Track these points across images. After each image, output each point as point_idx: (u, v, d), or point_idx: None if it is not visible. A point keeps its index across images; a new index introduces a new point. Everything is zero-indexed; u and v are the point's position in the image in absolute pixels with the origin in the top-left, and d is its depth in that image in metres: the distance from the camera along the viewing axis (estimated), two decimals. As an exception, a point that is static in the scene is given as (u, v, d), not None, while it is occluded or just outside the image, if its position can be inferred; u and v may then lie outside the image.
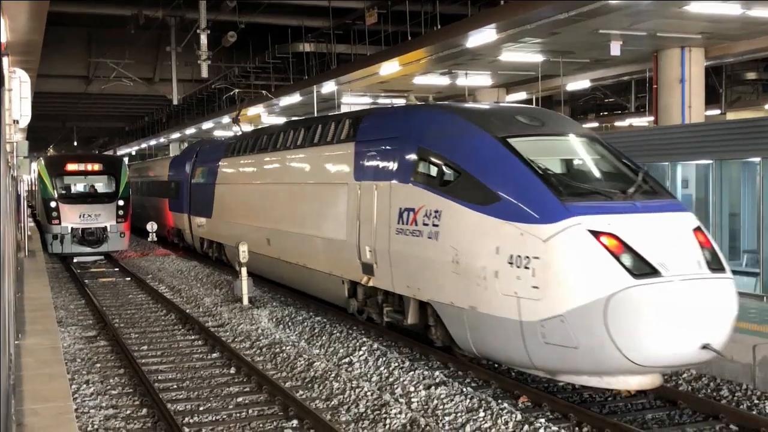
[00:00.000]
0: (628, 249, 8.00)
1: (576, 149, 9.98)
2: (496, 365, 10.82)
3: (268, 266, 16.33)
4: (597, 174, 9.57)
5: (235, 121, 23.47)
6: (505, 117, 10.28)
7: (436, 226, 9.73)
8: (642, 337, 7.74)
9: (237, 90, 27.62)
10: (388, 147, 11.32)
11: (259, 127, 21.65)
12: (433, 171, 10.19)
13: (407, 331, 12.00)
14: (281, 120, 34.29)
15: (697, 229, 8.66)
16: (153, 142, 51.88)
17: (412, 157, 10.58)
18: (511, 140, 9.51)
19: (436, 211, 9.77)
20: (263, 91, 27.80)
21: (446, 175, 9.92)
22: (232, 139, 21.10)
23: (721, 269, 8.36)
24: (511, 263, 8.50)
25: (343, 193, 12.45)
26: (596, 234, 8.08)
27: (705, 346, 7.85)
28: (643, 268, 7.89)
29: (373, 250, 11.31)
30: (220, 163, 20.25)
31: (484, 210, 9.03)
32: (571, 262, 8.05)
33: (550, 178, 8.91)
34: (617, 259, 7.91)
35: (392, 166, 11.01)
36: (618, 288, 7.76)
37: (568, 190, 8.71)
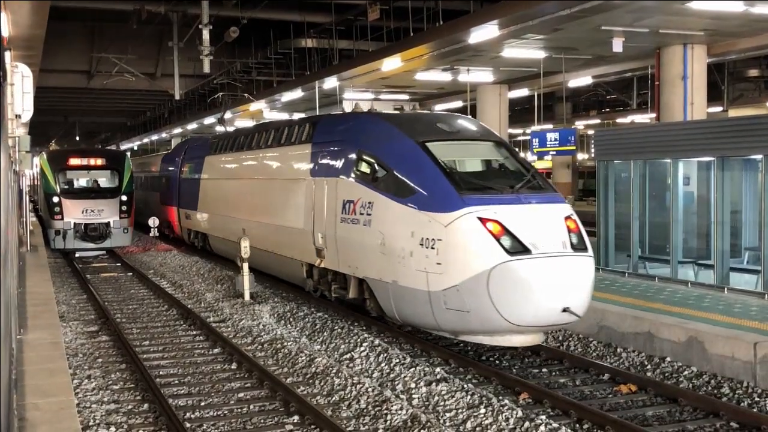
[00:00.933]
0: (508, 232, 9.87)
1: (481, 152, 12.05)
2: (496, 363, 10.89)
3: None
4: (494, 172, 11.65)
5: (220, 121, 26.45)
6: (427, 124, 12.34)
7: (369, 215, 11.65)
8: (515, 302, 9.66)
9: (221, 93, 30.53)
10: (336, 148, 13.24)
11: (239, 127, 23.85)
12: (368, 169, 12.04)
13: (410, 331, 12.25)
14: (283, 116, 34.44)
15: (568, 217, 10.45)
16: (155, 138, 51.92)
17: (353, 157, 12.46)
18: (428, 144, 11.42)
19: (369, 203, 11.70)
20: (245, 94, 29.89)
21: (378, 173, 11.78)
22: (215, 138, 23.09)
23: (584, 249, 10.26)
24: (422, 244, 10.41)
25: (302, 187, 14.29)
26: (483, 220, 9.94)
27: (565, 310, 9.75)
28: (518, 248, 9.78)
29: (324, 236, 13.16)
30: (204, 159, 22.10)
31: (403, 201, 10.94)
32: (463, 242, 9.96)
33: (453, 176, 10.82)
34: (498, 240, 9.79)
35: (339, 164, 12.90)
36: (496, 263, 9.65)
37: (466, 185, 10.59)
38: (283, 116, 35.16)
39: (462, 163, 11.70)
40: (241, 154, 18.83)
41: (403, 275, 10.79)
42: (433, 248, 10.22)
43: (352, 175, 12.34)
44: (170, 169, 26.44)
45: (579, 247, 10.21)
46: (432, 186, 10.72)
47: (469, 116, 14.66)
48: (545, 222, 10.21)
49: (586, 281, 10.11)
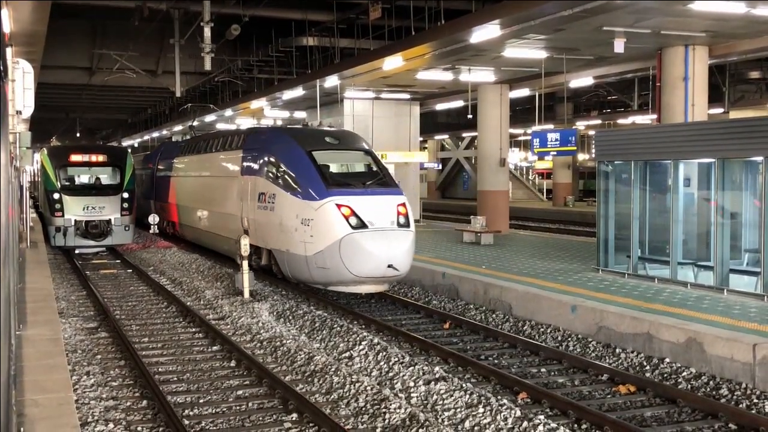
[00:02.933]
0: (355, 214, 14.17)
1: (352, 158, 16.55)
2: (495, 362, 10.91)
3: (200, 236, 22.74)
4: (356, 173, 16.00)
5: (191, 128, 31.53)
6: (317, 137, 16.63)
7: (273, 203, 15.93)
8: (357, 261, 13.97)
9: (190, 104, 35.97)
10: (256, 154, 17.48)
11: (200, 134, 28.31)
12: (273, 170, 16.18)
13: (410, 329, 12.07)
14: (284, 114, 34.47)
15: (402, 204, 14.73)
16: (156, 134, 51.89)
17: (265, 161, 16.70)
18: (313, 152, 15.66)
19: (273, 194, 15.95)
20: (211, 105, 35.13)
21: (279, 173, 15.94)
22: (182, 142, 28.53)
23: (407, 226, 14.55)
24: (302, 223, 14.71)
25: (236, 183, 18.54)
26: (339, 206, 14.23)
27: (390, 266, 14.02)
28: (360, 224, 14.13)
29: (248, 219, 17.40)
30: (174, 159, 26.51)
31: (293, 193, 15.22)
32: (325, 221, 14.27)
33: (325, 175, 15.07)
34: (347, 219, 14.10)
35: (257, 166, 17.18)
36: (345, 234, 14.02)
37: (333, 182, 14.90)
38: (284, 114, 35.20)
39: (335, 166, 16.11)
40: (199, 156, 23.33)
41: (292, 245, 15.03)
42: (308, 225, 14.56)
43: (264, 174, 16.54)
44: (149, 167, 30.24)
45: (403, 224, 14.52)
46: (310, 182, 14.95)
47: (351, 131, 21.05)
48: (382, 207, 14.48)
49: (406, 247, 14.34)
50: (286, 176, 15.61)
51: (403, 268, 14.36)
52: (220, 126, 41.90)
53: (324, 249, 14.13)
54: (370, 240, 14.03)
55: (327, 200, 14.34)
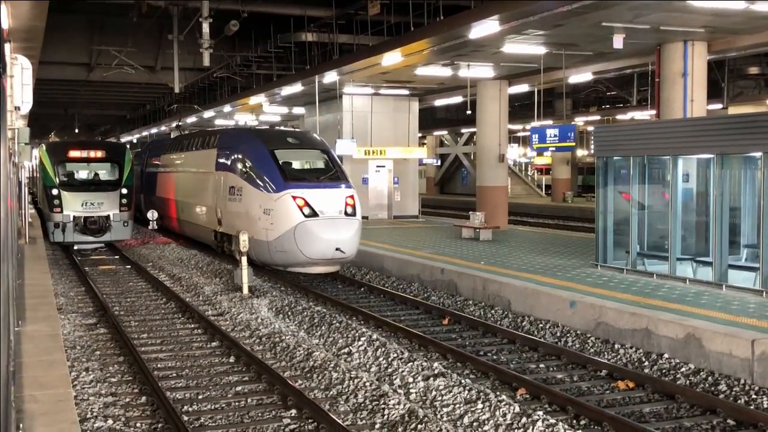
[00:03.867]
0: (308, 205, 16.30)
1: (309, 156, 18.56)
2: (494, 358, 10.92)
3: (183, 226, 24.66)
4: (312, 169, 18.05)
5: (178, 127, 35.42)
6: (279, 137, 19.20)
7: (241, 195, 18.04)
8: (309, 245, 16.13)
9: (175, 105, 38.36)
10: (228, 152, 19.53)
11: (184, 134, 30.82)
12: (241, 166, 18.33)
13: (408, 326, 12.05)
14: (283, 109, 34.43)
15: (349, 196, 16.85)
16: (154, 131, 51.83)
17: (234, 158, 18.87)
18: (276, 151, 17.79)
19: (241, 188, 18.08)
20: (195, 106, 37.29)
21: (245, 169, 18.09)
22: (167, 140, 31.26)
23: (353, 215, 16.70)
24: (264, 213, 16.85)
25: (211, 178, 20.52)
26: (294, 197, 16.40)
27: (338, 249, 16.12)
28: (312, 213, 16.26)
29: (221, 210, 19.50)
30: (160, 156, 28.71)
31: (256, 187, 17.39)
32: (283, 211, 16.43)
33: (285, 171, 17.21)
34: (301, 209, 16.26)
35: (228, 163, 19.23)
36: (299, 222, 16.17)
37: (290, 177, 17.08)
38: (283, 110, 35.16)
39: (294, 163, 18.00)
40: (181, 154, 25.44)
41: (256, 232, 16.96)
42: (269, 215, 16.71)
43: (234, 170, 18.65)
44: (138, 162, 31.68)
45: (350, 213, 16.67)
46: (271, 177, 17.13)
47: (310, 132, 23.49)
48: (332, 199, 16.65)
49: (352, 233, 16.45)
50: (251, 172, 17.77)
51: (350, 251, 16.44)
52: (219, 122, 42.05)
53: (282, 235, 16.30)
54: (321, 227, 16.17)
55: (284, 192, 16.55)
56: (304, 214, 16.13)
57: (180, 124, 32.13)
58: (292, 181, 16.84)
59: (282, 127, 20.06)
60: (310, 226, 16.08)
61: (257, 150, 18.06)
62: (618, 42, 17.42)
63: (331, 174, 17.54)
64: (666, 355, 10.42)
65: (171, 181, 26.14)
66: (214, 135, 22.02)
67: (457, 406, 8.48)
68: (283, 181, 16.78)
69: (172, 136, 36.01)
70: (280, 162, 17.47)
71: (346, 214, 16.52)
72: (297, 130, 21.89)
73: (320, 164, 18.17)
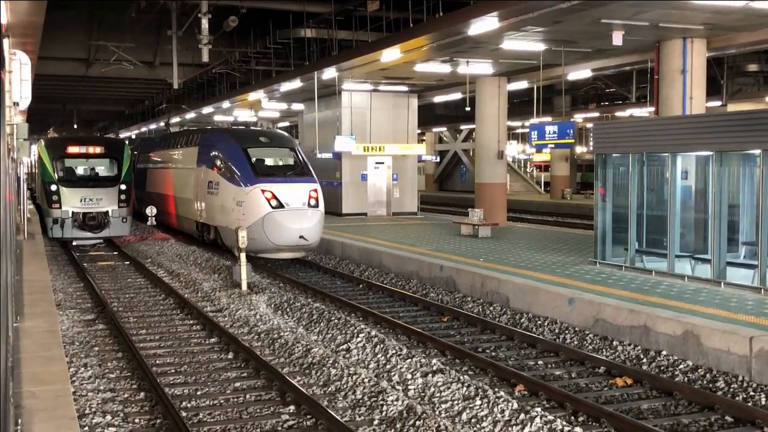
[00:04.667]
0: (275, 197, 18.19)
1: (279, 154, 20.66)
2: (492, 354, 10.93)
3: (170, 219, 26.23)
4: (280, 166, 20.13)
5: (167, 125, 37.43)
6: (252, 136, 21.44)
7: (217, 189, 20.04)
8: (276, 233, 18.02)
9: (165, 104, 40.95)
10: (207, 149, 21.47)
11: (172, 132, 32.92)
12: (218, 162, 20.28)
13: (407, 322, 12.06)
14: (282, 105, 34.41)
15: (313, 190, 18.76)
16: (153, 126, 51.77)
17: (212, 155, 20.83)
18: (248, 149, 19.79)
19: (217, 183, 20.07)
20: (183, 105, 39.67)
21: (222, 165, 20.03)
22: (157, 137, 33.53)
23: (316, 206, 18.57)
24: (237, 205, 18.73)
25: (193, 173, 22.42)
26: (263, 191, 18.27)
27: (301, 237, 18.08)
28: (278, 205, 18.15)
29: (201, 203, 21.52)
30: (150, 153, 30.47)
31: (230, 181, 19.31)
32: (253, 203, 18.27)
33: (255, 167, 19.18)
34: (269, 202, 18.09)
35: (207, 159, 21.18)
36: (266, 212, 18.06)
37: (261, 172, 19.02)
38: (282, 105, 35.13)
39: (265, 160, 19.98)
40: (168, 151, 27.19)
41: (230, 222, 18.89)
42: (241, 206, 18.59)
43: (212, 166, 20.57)
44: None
45: (313, 205, 18.54)
46: (243, 173, 19.07)
47: (281, 131, 25.57)
48: (297, 192, 18.55)
49: (314, 223, 18.39)
50: (226, 168, 19.76)
51: (312, 239, 18.48)
52: (218, 118, 42.06)
53: (252, 224, 17.96)
54: (286, 217, 18.13)
55: (254, 186, 18.50)
56: (271, 205, 18.10)
57: (168, 122, 34.69)
58: (262, 176, 18.81)
59: (256, 128, 21.96)
60: (277, 216, 18.05)
61: (232, 148, 20.07)
62: (617, 39, 17.42)
63: (298, 170, 19.61)
64: (664, 352, 10.43)
65: (161, 176, 28.04)
66: (195, 134, 24.05)
67: (456, 402, 8.49)
68: (254, 176, 18.71)
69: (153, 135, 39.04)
70: (252, 159, 19.43)
71: (309, 205, 18.48)
72: (269, 129, 24.90)
73: (289, 161, 20.28)
